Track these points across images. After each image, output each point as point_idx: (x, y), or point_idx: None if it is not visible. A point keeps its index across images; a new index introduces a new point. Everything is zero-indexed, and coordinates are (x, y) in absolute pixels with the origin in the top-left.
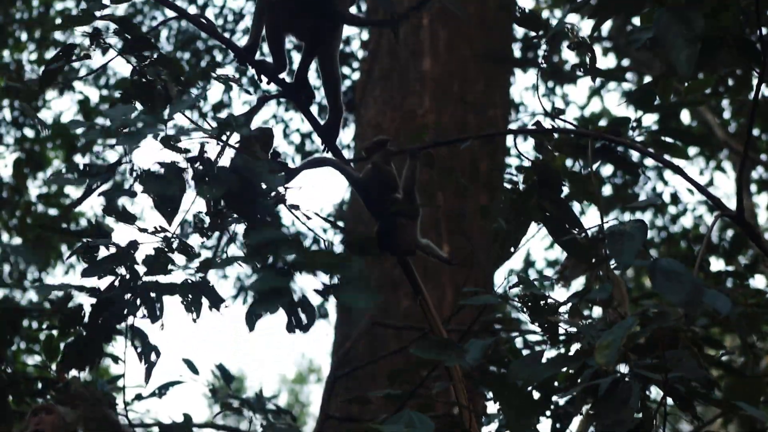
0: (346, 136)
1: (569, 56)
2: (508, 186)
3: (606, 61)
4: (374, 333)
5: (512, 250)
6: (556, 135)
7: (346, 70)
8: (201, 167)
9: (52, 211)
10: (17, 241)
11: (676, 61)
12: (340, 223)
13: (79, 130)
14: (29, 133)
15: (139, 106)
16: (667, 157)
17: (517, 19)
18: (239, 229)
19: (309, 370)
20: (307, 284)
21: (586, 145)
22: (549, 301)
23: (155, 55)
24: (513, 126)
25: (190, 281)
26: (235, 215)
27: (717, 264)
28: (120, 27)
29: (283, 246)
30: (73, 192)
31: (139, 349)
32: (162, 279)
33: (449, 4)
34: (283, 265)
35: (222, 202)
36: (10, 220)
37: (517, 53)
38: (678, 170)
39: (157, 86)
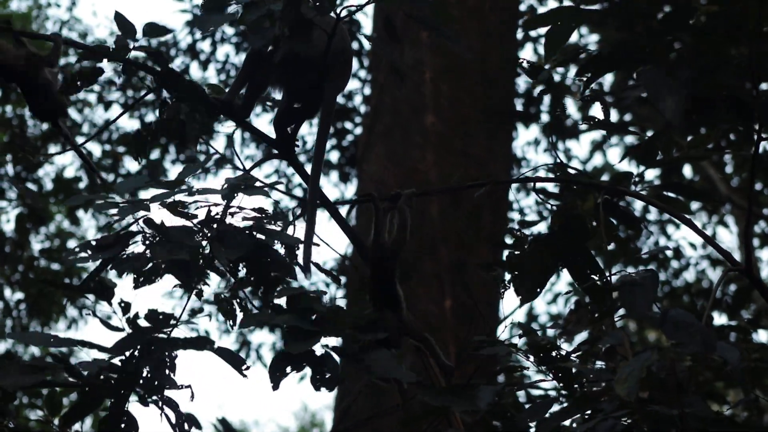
0: (349, 191)
1: (572, 111)
2: (510, 240)
3: (609, 115)
4: (377, 387)
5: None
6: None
7: (348, 125)
8: (215, 230)
9: (55, 266)
10: (19, 296)
11: (664, 110)
12: (343, 278)
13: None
14: (32, 188)
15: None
16: (669, 212)
17: (523, 69)
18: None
19: (311, 425)
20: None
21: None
22: (558, 350)
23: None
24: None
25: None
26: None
27: (720, 318)
28: (152, 60)
29: (311, 303)
30: (72, 245)
31: (173, 420)
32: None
33: (455, 46)
34: (310, 323)
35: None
36: (13, 275)
37: (520, 108)
38: (686, 221)
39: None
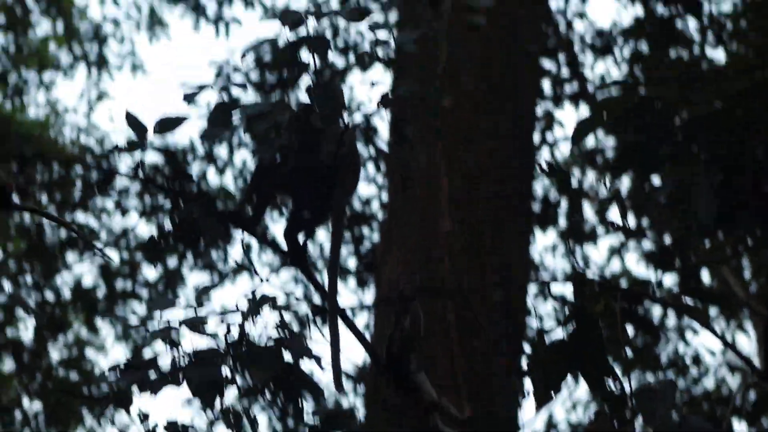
0: (367, 297)
1: (590, 215)
2: (528, 343)
3: (627, 219)
4: None
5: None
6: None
7: (365, 231)
8: (242, 350)
9: (73, 376)
10: (37, 405)
11: (698, 210)
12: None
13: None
14: (50, 296)
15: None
16: (688, 313)
17: (545, 171)
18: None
19: None
20: None
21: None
22: None
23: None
24: (533, 285)
25: None
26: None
27: (740, 426)
28: (165, 159)
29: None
30: (94, 355)
31: None
32: None
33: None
34: None
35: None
36: (31, 384)
37: (537, 212)
38: (704, 322)
39: (193, 230)
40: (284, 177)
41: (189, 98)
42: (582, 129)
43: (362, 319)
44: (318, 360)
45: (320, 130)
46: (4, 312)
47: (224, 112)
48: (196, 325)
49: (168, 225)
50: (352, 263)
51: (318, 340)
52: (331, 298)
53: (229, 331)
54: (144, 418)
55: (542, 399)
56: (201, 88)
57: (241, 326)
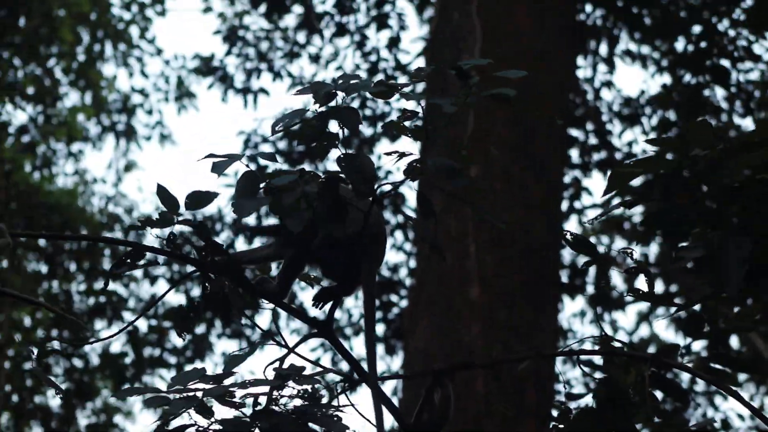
0: (395, 364)
1: (618, 282)
2: (556, 413)
3: (654, 287)
4: None
5: None
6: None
7: (393, 297)
8: (268, 421)
9: None
10: None
11: (726, 279)
12: None
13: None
14: (78, 363)
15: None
16: (716, 384)
17: (569, 243)
18: None
19: None
20: None
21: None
22: None
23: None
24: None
25: None
26: None
27: None
28: (197, 232)
29: None
30: (122, 421)
31: None
32: None
33: (492, 219)
34: None
35: None
36: None
37: (565, 279)
38: (733, 393)
39: (222, 299)
40: (312, 248)
41: (218, 169)
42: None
43: (390, 387)
44: (345, 430)
45: (348, 200)
46: (33, 379)
47: (252, 181)
48: (223, 395)
49: (196, 293)
50: (380, 330)
51: (346, 409)
52: (370, 366)
53: (256, 402)
54: None
55: None
56: (230, 158)
57: (268, 396)
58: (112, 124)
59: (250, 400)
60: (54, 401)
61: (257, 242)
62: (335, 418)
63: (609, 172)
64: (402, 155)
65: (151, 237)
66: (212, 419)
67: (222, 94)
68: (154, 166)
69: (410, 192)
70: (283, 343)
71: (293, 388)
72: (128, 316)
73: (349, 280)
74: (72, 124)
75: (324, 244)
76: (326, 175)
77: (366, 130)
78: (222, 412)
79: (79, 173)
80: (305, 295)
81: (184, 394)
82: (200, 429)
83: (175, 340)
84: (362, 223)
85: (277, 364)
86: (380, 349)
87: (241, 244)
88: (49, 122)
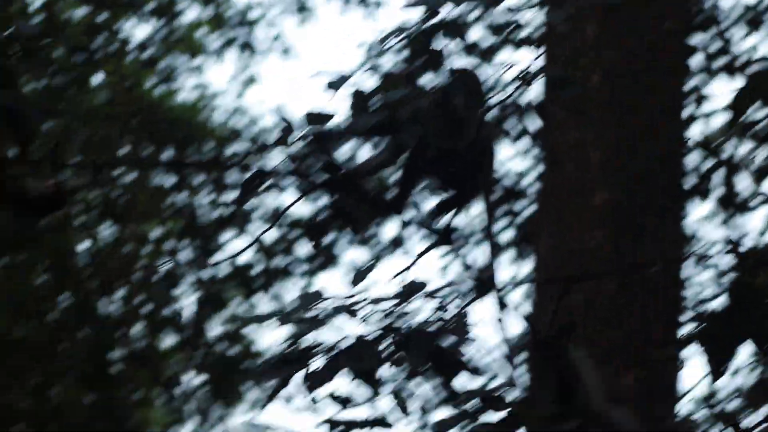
0: (524, 270)
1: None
2: (686, 318)
3: None
4: None
5: (724, 366)
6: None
7: (519, 205)
8: (399, 336)
9: (234, 350)
10: (200, 379)
11: None
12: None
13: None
14: (207, 274)
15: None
16: None
17: (695, 147)
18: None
19: None
20: None
21: None
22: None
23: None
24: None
25: None
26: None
27: None
28: (315, 149)
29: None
30: (252, 331)
31: None
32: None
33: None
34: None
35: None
36: (192, 359)
37: (692, 184)
38: None
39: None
40: (428, 161)
41: (334, 86)
42: (742, 100)
43: (519, 294)
44: (473, 341)
45: (461, 115)
46: (167, 289)
47: (365, 97)
48: (351, 310)
49: (324, 202)
50: (507, 237)
51: (475, 318)
52: (492, 275)
53: (386, 316)
54: (308, 385)
55: (718, 367)
56: (344, 78)
57: (397, 307)
58: (232, 39)
59: (376, 316)
60: (185, 311)
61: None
62: (463, 328)
63: (745, 77)
64: (514, 66)
65: (277, 151)
66: (341, 337)
67: (341, 6)
68: (276, 80)
69: (534, 101)
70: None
71: (420, 301)
72: (255, 227)
73: (465, 191)
74: (192, 39)
75: (438, 157)
76: (438, 90)
77: (484, 40)
78: (349, 329)
79: (200, 88)
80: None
81: (312, 314)
82: (329, 347)
83: (302, 250)
84: (474, 135)
85: (403, 278)
86: (508, 255)
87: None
88: (169, 37)
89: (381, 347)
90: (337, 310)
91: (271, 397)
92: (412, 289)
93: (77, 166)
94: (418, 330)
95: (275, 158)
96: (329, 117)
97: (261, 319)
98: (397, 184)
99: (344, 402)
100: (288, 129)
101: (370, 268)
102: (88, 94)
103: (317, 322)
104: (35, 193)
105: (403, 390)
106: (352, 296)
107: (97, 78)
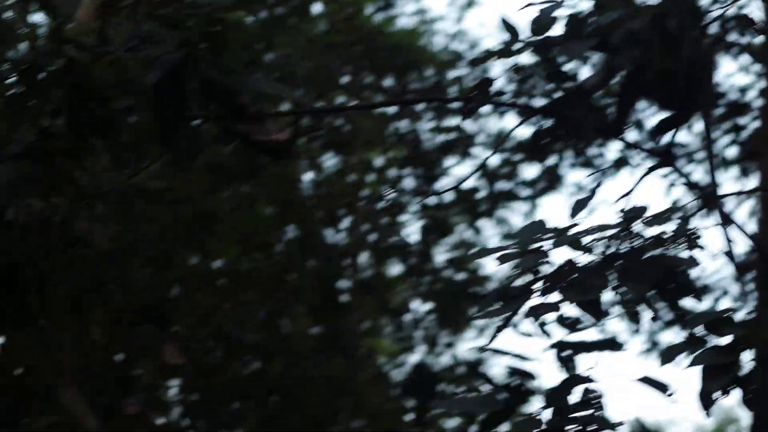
0: (749, 184)
1: None
2: None
3: None
4: None
5: None
6: None
7: (743, 120)
8: (623, 262)
9: (460, 276)
10: (427, 307)
11: None
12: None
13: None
14: (432, 200)
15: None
16: None
17: None
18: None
19: (727, 421)
20: None
21: None
22: None
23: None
24: None
25: None
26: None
27: None
28: (541, 61)
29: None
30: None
31: None
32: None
33: None
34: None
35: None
36: (419, 286)
37: None
38: None
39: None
40: (646, 82)
41: (544, 16)
42: None
43: (745, 210)
44: (696, 263)
45: (676, 35)
46: (391, 215)
47: (579, 22)
48: (574, 240)
49: (546, 124)
50: (731, 154)
51: (701, 234)
52: (713, 192)
53: (610, 241)
54: (534, 316)
55: None
56: (559, 2)
57: (624, 232)
58: None
59: (600, 243)
60: (411, 238)
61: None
62: (692, 247)
63: None
64: None
65: (497, 71)
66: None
67: None
68: (495, 2)
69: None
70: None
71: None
72: (478, 151)
73: (685, 109)
74: None
75: (656, 77)
76: (653, 10)
77: None
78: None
79: (419, 13)
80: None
81: (534, 246)
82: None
83: (526, 173)
84: (691, 54)
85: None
86: (733, 172)
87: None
88: None
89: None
90: (560, 242)
91: (500, 329)
92: (634, 214)
93: (311, 112)
94: (641, 255)
95: (498, 73)
96: (553, 21)
97: (485, 252)
98: (615, 105)
99: (572, 325)
100: (514, 35)
101: (589, 198)
102: (308, 23)
103: (540, 255)
104: (269, 141)
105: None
106: (574, 225)
107: (317, 7)
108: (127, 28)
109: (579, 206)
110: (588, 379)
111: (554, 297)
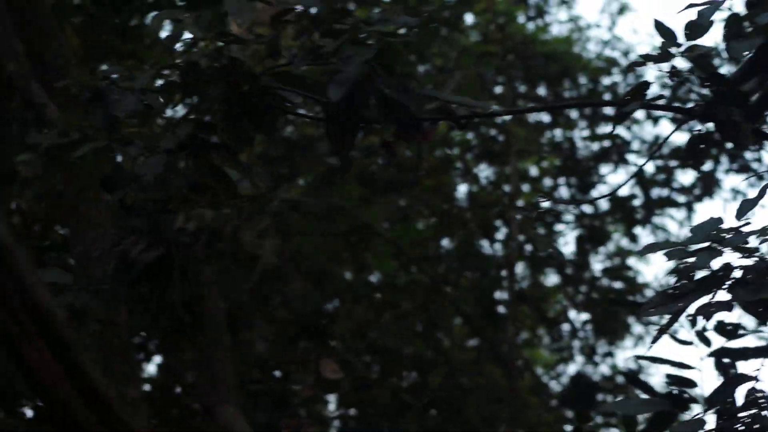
0: None
1: None
2: None
3: None
4: None
5: None
6: None
7: None
8: None
9: (617, 285)
10: (584, 316)
11: None
12: None
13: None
14: (588, 209)
15: None
16: None
17: None
18: None
19: None
20: None
21: None
22: None
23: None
24: None
25: None
26: None
27: None
28: (697, 65)
29: None
30: (635, 263)
31: None
32: None
33: None
34: None
35: None
36: (576, 296)
37: None
38: None
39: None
40: None
41: (702, 20)
42: None
43: None
44: None
45: None
46: (548, 226)
47: (737, 23)
48: (740, 243)
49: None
50: None
51: None
52: None
53: None
54: (693, 321)
55: None
56: (716, 4)
57: None
58: None
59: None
60: (566, 248)
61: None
62: None
63: None
64: None
65: (651, 76)
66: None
67: None
68: (648, 7)
69: None
70: None
71: None
72: (632, 158)
73: None
74: None
75: None
76: None
77: None
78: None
79: (572, 20)
80: None
81: (705, 245)
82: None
83: (683, 179)
84: None
85: None
86: None
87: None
88: None
89: None
90: (726, 244)
91: (661, 332)
92: None
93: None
94: None
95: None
96: (710, 24)
97: (655, 248)
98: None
99: (732, 332)
100: (670, 39)
101: (758, 199)
102: (461, 34)
103: (707, 255)
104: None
105: None
106: (738, 228)
107: (469, 17)
108: (301, 41)
109: (746, 207)
110: (753, 378)
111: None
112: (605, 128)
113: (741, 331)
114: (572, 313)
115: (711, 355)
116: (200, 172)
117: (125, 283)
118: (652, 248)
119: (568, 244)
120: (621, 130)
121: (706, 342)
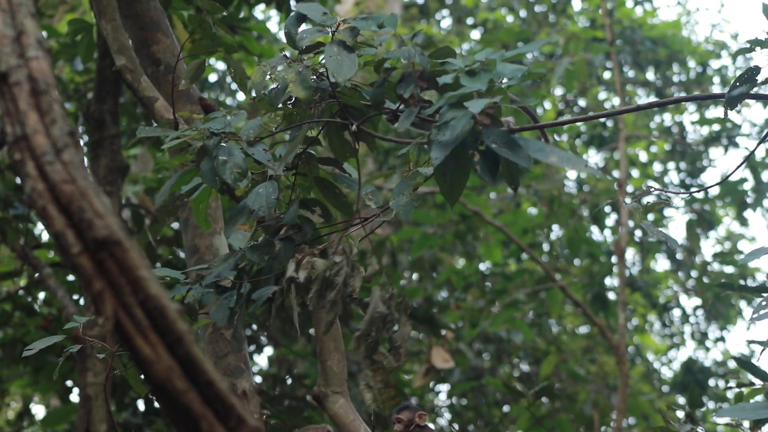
0: None
1: None
2: None
3: None
4: None
5: None
6: None
7: None
8: None
9: (728, 269)
10: (696, 302)
11: None
12: None
13: None
14: (698, 194)
15: None
16: None
17: None
18: None
19: None
20: None
21: None
22: None
23: None
24: None
25: None
26: None
27: None
28: None
29: None
30: (746, 247)
31: None
32: None
33: None
34: None
35: None
36: (687, 281)
37: None
38: None
39: None
40: None
41: None
42: None
43: None
44: None
45: None
46: (658, 212)
47: None
48: None
49: None
50: None
51: None
52: None
53: None
54: None
55: None
56: None
57: None
58: None
59: None
60: (677, 233)
61: None
62: None
63: None
64: None
65: (762, 60)
66: None
67: None
68: None
69: None
70: None
71: None
72: (743, 142)
73: None
74: None
75: None
76: None
77: None
78: None
79: (681, 4)
80: None
81: None
82: None
83: None
84: None
85: None
86: None
87: None
88: None
89: None
90: None
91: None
92: None
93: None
94: None
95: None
96: None
97: (754, 255)
98: None
99: None
100: None
101: None
102: (569, 19)
103: None
104: None
105: None
106: None
107: (577, 3)
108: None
109: None
110: None
111: None
112: (714, 112)
113: None
114: (683, 299)
115: None
116: (308, 186)
117: (243, 302)
118: (756, 254)
119: (678, 229)
120: (732, 114)
121: None
